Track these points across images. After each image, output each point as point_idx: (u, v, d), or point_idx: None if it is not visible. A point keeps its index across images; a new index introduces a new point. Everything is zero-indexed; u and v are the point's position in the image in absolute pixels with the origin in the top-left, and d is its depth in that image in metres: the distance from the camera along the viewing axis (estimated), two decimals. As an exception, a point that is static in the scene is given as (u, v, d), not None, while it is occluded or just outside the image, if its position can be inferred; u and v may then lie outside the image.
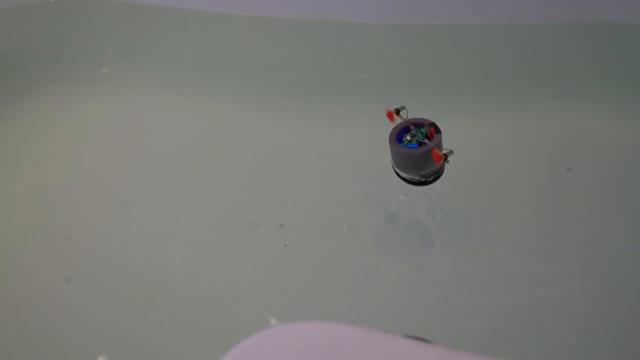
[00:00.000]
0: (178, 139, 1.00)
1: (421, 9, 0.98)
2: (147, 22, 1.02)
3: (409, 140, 0.75)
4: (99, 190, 0.94)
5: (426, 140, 0.74)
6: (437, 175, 0.79)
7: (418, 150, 0.74)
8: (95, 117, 1.01)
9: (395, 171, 0.79)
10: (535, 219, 0.91)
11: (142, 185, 0.94)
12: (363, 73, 1.03)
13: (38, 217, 0.91)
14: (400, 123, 0.77)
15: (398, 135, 0.76)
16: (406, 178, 0.79)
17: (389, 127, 0.92)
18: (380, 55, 1.02)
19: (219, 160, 0.98)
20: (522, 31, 0.99)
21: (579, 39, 1.00)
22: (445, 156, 0.74)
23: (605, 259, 0.88)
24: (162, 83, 1.03)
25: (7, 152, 0.96)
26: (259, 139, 1.00)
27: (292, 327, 0.43)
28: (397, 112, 0.79)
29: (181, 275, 0.85)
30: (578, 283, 0.86)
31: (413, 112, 1.02)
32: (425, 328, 0.81)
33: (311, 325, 0.44)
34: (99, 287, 0.84)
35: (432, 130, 0.75)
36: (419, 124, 0.77)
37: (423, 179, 0.78)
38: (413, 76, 1.03)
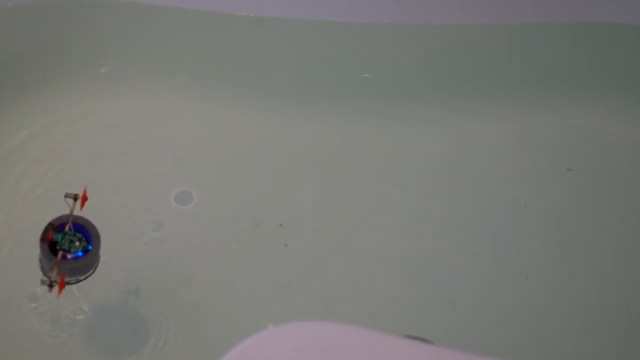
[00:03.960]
0: (178, 139, 1.00)
1: (421, 9, 0.98)
2: (147, 22, 1.01)
3: (77, 247, 0.62)
4: (98, 189, 0.94)
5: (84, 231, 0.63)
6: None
7: (97, 244, 0.63)
8: (95, 117, 1.01)
9: (70, 282, 0.65)
10: (535, 219, 0.91)
11: (142, 185, 0.94)
12: (364, 73, 1.03)
13: (38, 217, 0.91)
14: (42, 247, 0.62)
15: (51, 252, 0.61)
16: (85, 277, 0.65)
17: (394, 129, 0.93)
18: (381, 55, 1.02)
19: (219, 160, 0.97)
20: (522, 31, 0.99)
21: (579, 39, 1.00)
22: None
23: (605, 259, 0.88)
24: (162, 83, 1.03)
25: (7, 152, 0.96)
26: (259, 138, 1.00)
27: (292, 327, 0.43)
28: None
29: (181, 276, 0.85)
30: (578, 283, 0.86)
31: (413, 111, 1.02)
32: (425, 328, 0.81)
33: (311, 325, 0.44)
34: (99, 286, 0.84)
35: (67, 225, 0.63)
36: (58, 228, 0.63)
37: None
38: (413, 76, 1.03)
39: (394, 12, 0.97)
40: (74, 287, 0.81)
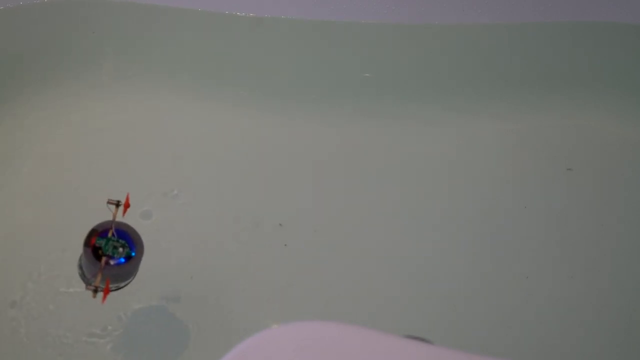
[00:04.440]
0: (177, 139, 1.00)
1: (421, 9, 0.98)
2: (147, 22, 1.01)
3: (121, 253, 0.61)
4: (98, 189, 0.94)
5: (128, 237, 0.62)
6: None
7: (141, 251, 0.62)
8: (95, 117, 1.01)
9: (113, 289, 0.63)
10: (535, 219, 0.91)
11: (142, 185, 0.94)
12: (364, 73, 1.03)
13: (38, 217, 0.91)
14: (86, 252, 0.61)
15: (94, 257, 0.60)
16: (125, 284, 0.65)
17: (394, 129, 0.92)
18: (381, 55, 1.02)
19: (219, 160, 0.98)
20: (522, 31, 0.99)
21: (579, 39, 1.00)
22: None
23: (605, 259, 0.88)
24: (161, 83, 1.03)
25: (7, 152, 0.96)
26: (259, 138, 1.00)
27: (292, 327, 0.43)
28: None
29: (181, 276, 0.85)
30: (578, 283, 0.86)
31: (413, 111, 1.02)
32: (425, 328, 0.81)
33: (311, 325, 0.44)
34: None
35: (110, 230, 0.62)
36: (101, 234, 0.62)
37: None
38: (413, 76, 1.03)
39: (394, 12, 0.97)
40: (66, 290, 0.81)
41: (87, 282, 0.63)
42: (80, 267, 0.64)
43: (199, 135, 1.00)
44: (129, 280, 0.64)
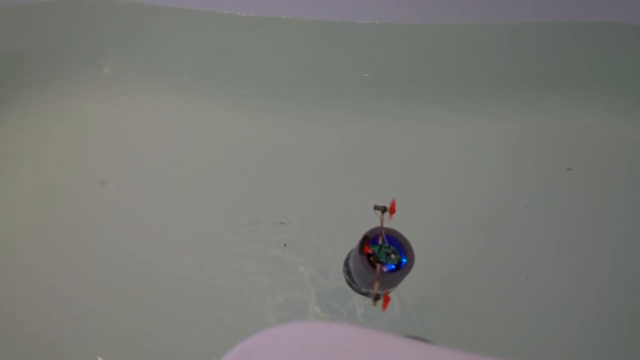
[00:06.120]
0: (178, 139, 1.00)
1: (421, 10, 0.98)
2: (147, 22, 1.02)
3: (393, 259, 0.60)
4: (99, 190, 0.94)
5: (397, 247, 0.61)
6: None
7: (412, 257, 0.60)
8: (95, 117, 1.01)
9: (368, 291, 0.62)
10: (535, 219, 0.91)
11: (142, 185, 0.94)
12: (364, 73, 1.03)
13: (38, 217, 0.91)
14: (362, 259, 0.60)
15: (368, 255, 0.60)
16: (391, 290, 0.63)
17: (394, 129, 0.92)
18: (381, 55, 1.02)
19: (219, 160, 0.98)
20: (522, 31, 0.99)
21: (579, 39, 1.00)
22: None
23: (605, 259, 0.88)
24: (162, 83, 1.04)
25: (7, 152, 0.96)
26: (258, 138, 1.00)
27: (292, 327, 0.43)
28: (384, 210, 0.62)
29: (181, 276, 0.85)
30: (578, 283, 0.86)
31: (413, 110, 1.02)
32: (425, 328, 0.81)
33: (311, 325, 0.44)
34: (99, 286, 0.84)
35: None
36: (373, 240, 0.62)
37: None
38: (413, 76, 1.03)
39: (394, 12, 0.97)
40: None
41: (356, 289, 0.62)
42: (348, 273, 0.63)
43: (199, 135, 1.00)
44: (395, 287, 0.62)
